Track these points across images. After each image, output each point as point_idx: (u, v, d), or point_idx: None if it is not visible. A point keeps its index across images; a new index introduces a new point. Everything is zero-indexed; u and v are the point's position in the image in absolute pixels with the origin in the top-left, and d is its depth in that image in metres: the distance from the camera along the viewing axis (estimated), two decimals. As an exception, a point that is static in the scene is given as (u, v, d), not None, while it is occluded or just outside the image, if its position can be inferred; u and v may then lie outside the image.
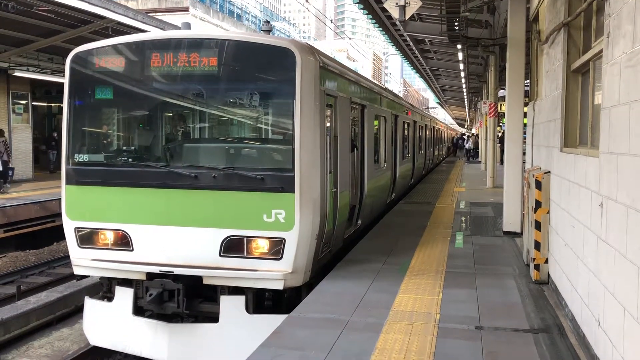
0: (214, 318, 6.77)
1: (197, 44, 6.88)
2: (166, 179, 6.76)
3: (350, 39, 61.35)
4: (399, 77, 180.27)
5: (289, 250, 6.49)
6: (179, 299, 6.66)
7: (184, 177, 6.70)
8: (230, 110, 7.48)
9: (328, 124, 7.46)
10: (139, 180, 6.87)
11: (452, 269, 7.63)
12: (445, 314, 5.79)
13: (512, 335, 5.25)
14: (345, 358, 4.72)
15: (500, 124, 28.00)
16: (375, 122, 11.25)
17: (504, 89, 13.71)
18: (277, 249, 6.52)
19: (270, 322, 6.02)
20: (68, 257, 7.50)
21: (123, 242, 6.92)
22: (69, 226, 7.12)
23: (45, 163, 22.89)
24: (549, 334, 5.26)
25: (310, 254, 6.72)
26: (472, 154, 39.33)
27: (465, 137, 48.72)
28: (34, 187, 17.51)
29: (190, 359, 6.80)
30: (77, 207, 7.11)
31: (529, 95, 9.32)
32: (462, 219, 12.10)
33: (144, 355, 7.03)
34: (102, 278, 7.43)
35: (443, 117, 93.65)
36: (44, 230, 14.49)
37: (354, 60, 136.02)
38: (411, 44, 25.70)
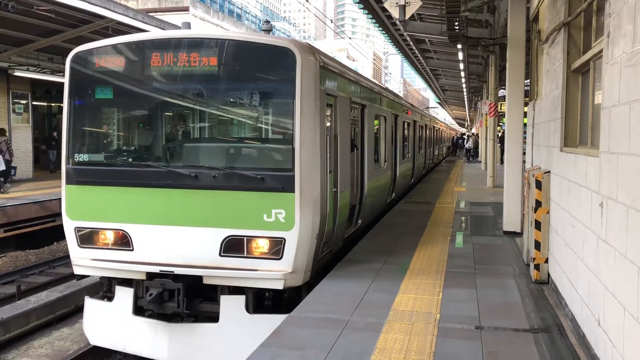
0: (214, 318, 6.77)
1: (197, 44, 6.88)
2: (166, 178, 6.76)
3: (350, 38, 61.26)
4: (399, 76, 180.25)
5: (289, 250, 6.49)
6: (179, 298, 6.66)
7: (184, 176, 6.70)
8: (230, 110, 7.47)
9: (328, 124, 7.46)
10: (139, 180, 6.87)
11: (452, 269, 7.63)
12: (446, 314, 5.78)
13: (512, 335, 5.25)
14: (346, 358, 4.71)
15: (500, 124, 27.99)
16: (376, 122, 11.24)
17: (504, 89, 13.70)
18: (277, 248, 6.52)
19: (271, 321, 6.02)
20: (68, 256, 7.50)
21: (123, 241, 6.92)
22: (69, 226, 7.12)
23: (45, 163, 22.90)
24: (549, 334, 5.26)
25: (311, 253, 6.72)
26: (472, 154, 39.32)
27: (465, 136, 48.72)
28: (34, 187, 17.52)
29: (191, 359, 6.80)
30: (77, 206, 7.11)
31: (529, 95, 9.32)
32: (462, 218, 12.10)
33: (144, 355, 7.03)
34: (102, 278, 7.44)
35: (443, 116, 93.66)
36: (44, 230, 14.50)
37: (354, 60, 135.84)
38: (411, 43, 25.68)
